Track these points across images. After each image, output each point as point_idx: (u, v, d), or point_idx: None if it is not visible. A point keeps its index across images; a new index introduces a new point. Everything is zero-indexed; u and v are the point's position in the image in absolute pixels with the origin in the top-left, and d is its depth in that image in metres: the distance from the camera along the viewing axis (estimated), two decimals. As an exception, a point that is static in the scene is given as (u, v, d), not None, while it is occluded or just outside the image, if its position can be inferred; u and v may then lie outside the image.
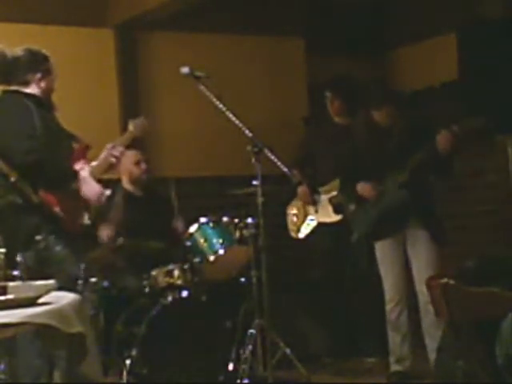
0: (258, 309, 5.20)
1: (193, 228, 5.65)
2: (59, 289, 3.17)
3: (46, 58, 4.56)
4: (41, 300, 2.96)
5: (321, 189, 6.40)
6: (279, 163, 5.10)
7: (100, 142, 4.68)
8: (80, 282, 4.77)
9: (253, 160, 5.04)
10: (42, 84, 4.50)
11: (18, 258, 3.71)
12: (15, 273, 3.43)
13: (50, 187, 4.34)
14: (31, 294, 2.96)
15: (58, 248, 4.30)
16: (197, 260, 5.53)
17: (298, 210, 6.60)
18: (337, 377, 5.82)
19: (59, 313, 2.88)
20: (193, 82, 5.11)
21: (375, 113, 5.41)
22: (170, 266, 5.44)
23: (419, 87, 7.60)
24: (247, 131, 5.05)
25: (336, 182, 5.96)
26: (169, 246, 5.68)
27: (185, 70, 5.11)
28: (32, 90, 4.48)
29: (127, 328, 5.19)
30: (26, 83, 4.48)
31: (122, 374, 4.99)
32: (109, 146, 4.66)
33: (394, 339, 5.47)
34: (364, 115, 5.55)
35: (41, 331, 2.90)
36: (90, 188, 4.47)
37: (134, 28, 7.34)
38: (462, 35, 7.03)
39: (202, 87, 5.09)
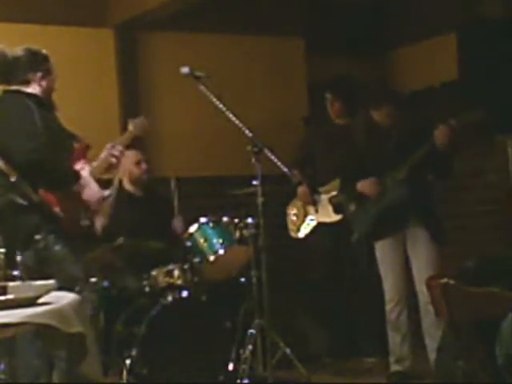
0: (258, 309, 5.20)
1: (193, 228, 5.64)
2: (59, 289, 3.17)
3: (46, 58, 4.56)
4: (41, 300, 2.96)
5: (321, 189, 6.40)
6: (279, 163, 5.10)
7: (100, 142, 4.67)
8: (80, 281, 4.77)
9: (253, 160, 5.04)
10: (43, 83, 4.50)
11: (18, 258, 3.72)
12: (15, 273, 3.43)
13: (50, 187, 4.34)
14: (31, 294, 2.96)
15: (57, 248, 4.30)
16: (197, 260, 5.53)
17: (298, 209, 6.60)
18: (337, 377, 5.82)
19: (59, 313, 2.88)
20: (193, 82, 5.10)
21: (375, 113, 5.40)
22: (170, 266, 5.44)
23: (419, 87, 7.60)
24: (247, 131, 5.05)
25: (336, 182, 5.96)
26: (169, 246, 5.68)
27: (185, 70, 5.11)
28: (33, 89, 4.48)
29: (127, 328, 5.20)
30: (27, 83, 4.47)
31: (122, 373, 4.99)
32: (109, 145, 4.66)
33: (394, 339, 5.46)
34: (364, 115, 5.55)
35: (41, 331, 2.91)
36: (91, 191, 4.46)
37: (134, 28, 7.34)
38: (462, 35, 7.04)
39: (201, 87, 5.09)
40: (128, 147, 4.96)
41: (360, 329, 6.38)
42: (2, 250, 3.32)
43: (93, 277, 5.28)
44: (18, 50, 4.49)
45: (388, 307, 5.48)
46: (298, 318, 6.31)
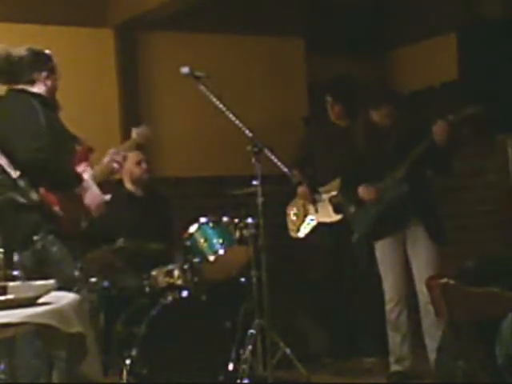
0: (258, 309, 5.20)
1: (193, 228, 5.64)
2: (58, 289, 3.17)
3: (49, 58, 4.56)
4: (41, 300, 2.96)
5: (321, 189, 6.40)
6: (279, 163, 5.10)
7: (100, 142, 4.68)
8: (78, 282, 4.77)
9: (253, 160, 5.04)
10: (48, 83, 4.50)
11: (15, 258, 3.71)
12: (15, 273, 3.43)
13: (52, 188, 4.33)
14: (31, 294, 2.96)
15: (55, 248, 4.29)
16: (197, 260, 5.53)
17: (298, 209, 6.60)
18: (337, 377, 5.82)
19: (59, 313, 2.88)
20: (193, 82, 5.10)
21: (374, 113, 5.40)
22: (170, 266, 5.44)
23: (419, 87, 7.60)
24: (247, 131, 5.05)
25: (336, 182, 5.96)
26: (169, 246, 5.68)
27: (185, 69, 5.11)
28: (38, 89, 4.47)
29: (127, 328, 5.20)
30: (32, 82, 4.47)
31: (122, 373, 4.99)
32: (112, 151, 4.67)
33: (394, 339, 5.46)
34: (363, 115, 5.55)
35: (41, 331, 2.90)
36: (92, 196, 4.46)
37: (134, 28, 7.34)
38: (462, 35, 7.04)
39: (202, 87, 5.09)
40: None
41: (360, 329, 6.39)
42: (1, 250, 3.32)
43: (93, 277, 5.28)
44: (21, 50, 4.49)
45: (388, 307, 5.48)
46: (298, 318, 6.31)
